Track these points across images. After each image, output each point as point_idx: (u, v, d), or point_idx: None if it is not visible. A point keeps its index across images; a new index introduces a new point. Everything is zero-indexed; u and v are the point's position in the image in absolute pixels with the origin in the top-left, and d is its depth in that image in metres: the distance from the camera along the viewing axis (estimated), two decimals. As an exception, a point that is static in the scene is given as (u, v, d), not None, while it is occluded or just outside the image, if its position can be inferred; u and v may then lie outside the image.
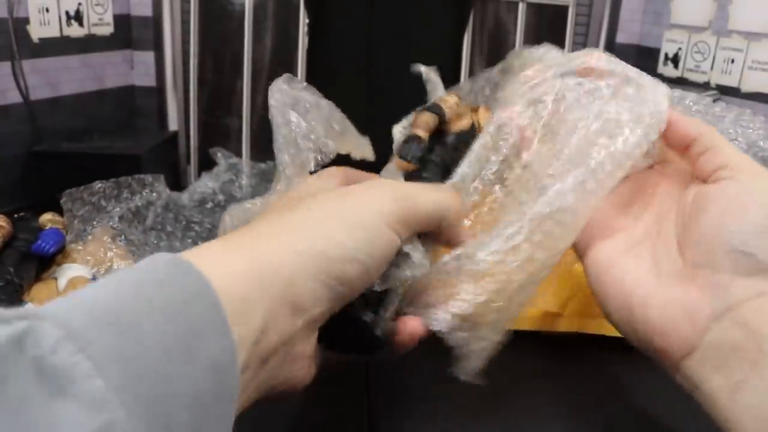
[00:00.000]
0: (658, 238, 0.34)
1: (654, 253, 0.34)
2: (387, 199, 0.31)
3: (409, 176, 0.39)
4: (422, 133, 0.39)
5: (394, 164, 0.40)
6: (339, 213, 0.30)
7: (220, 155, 0.79)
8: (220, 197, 0.76)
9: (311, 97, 0.55)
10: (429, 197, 0.33)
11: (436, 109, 0.39)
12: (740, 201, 0.31)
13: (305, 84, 0.53)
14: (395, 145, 0.40)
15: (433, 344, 0.47)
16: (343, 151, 0.56)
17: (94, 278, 0.55)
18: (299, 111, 0.52)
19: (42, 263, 0.55)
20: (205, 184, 0.75)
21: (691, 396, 0.31)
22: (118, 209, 0.62)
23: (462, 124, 0.40)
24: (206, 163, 0.82)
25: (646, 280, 0.33)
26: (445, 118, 0.39)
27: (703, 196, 0.32)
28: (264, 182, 0.79)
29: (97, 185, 0.64)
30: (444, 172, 0.38)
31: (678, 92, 0.56)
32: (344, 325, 0.33)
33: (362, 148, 0.54)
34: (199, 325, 0.22)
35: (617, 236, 0.35)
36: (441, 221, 0.33)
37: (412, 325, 0.35)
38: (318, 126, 0.52)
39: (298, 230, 0.29)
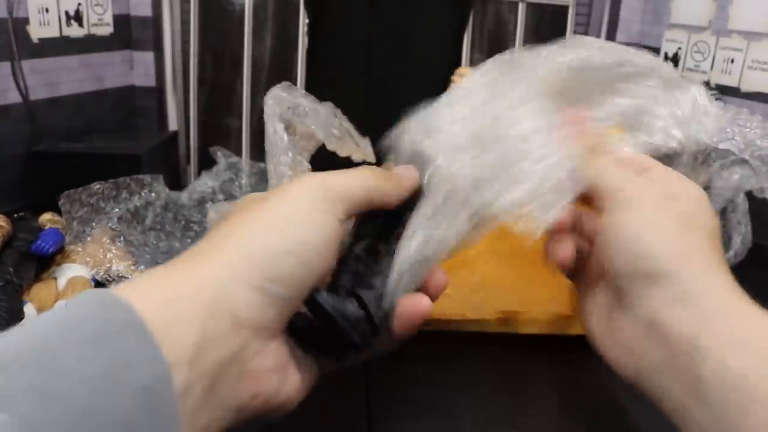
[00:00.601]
0: (596, 275, 0.36)
1: (597, 289, 0.36)
2: (311, 186, 0.31)
3: None
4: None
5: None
6: (263, 212, 0.30)
7: (220, 154, 0.79)
8: (220, 196, 0.76)
9: (310, 103, 0.55)
10: (352, 175, 0.33)
11: None
12: (614, 230, 0.33)
13: (303, 92, 0.53)
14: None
15: (434, 344, 0.47)
16: (343, 154, 0.56)
17: (93, 279, 0.55)
18: (299, 114, 0.52)
19: (42, 263, 0.55)
20: (204, 183, 0.75)
21: None
22: (116, 210, 0.62)
23: None
24: (206, 163, 0.82)
25: (593, 317, 0.36)
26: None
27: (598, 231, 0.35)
28: (263, 181, 0.79)
29: (96, 186, 0.63)
30: None
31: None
32: (319, 319, 0.31)
33: (362, 149, 0.54)
34: (127, 355, 0.22)
35: (580, 273, 0.38)
36: (372, 195, 0.33)
37: (415, 303, 0.33)
38: (318, 131, 0.52)
39: (228, 241, 0.28)
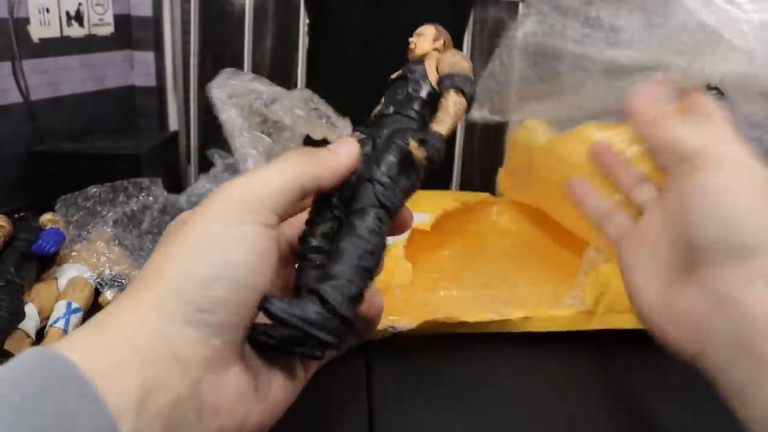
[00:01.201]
0: (659, 244, 0.35)
1: (657, 259, 0.34)
2: (229, 197, 0.29)
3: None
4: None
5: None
6: (185, 238, 0.28)
7: (217, 156, 0.79)
8: (220, 197, 0.75)
9: (267, 87, 0.53)
10: (277, 169, 0.30)
11: None
12: (698, 194, 0.31)
13: (252, 74, 0.52)
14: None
15: (434, 343, 0.47)
16: (316, 137, 0.55)
17: (94, 280, 0.55)
18: (265, 102, 0.51)
19: (42, 263, 0.55)
20: (203, 186, 0.75)
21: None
22: (112, 214, 0.62)
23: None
24: (207, 163, 0.82)
25: (650, 288, 0.34)
26: None
27: (669, 197, 0.33)
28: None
29: (92, 190, 0.63)
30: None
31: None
32: (280, 327, 0.29)
33: (339, 130, 0.52)
34: (71, 409, 0.22)
35: (632, 242, 0.36)
36: (305, 184, 0.30)
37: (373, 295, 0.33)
38: (284, 116, 0.52)
39: (157, 276, 0.27)
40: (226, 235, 0.28)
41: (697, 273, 0.31)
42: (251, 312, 0.29)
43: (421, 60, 0.38)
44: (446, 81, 0.36)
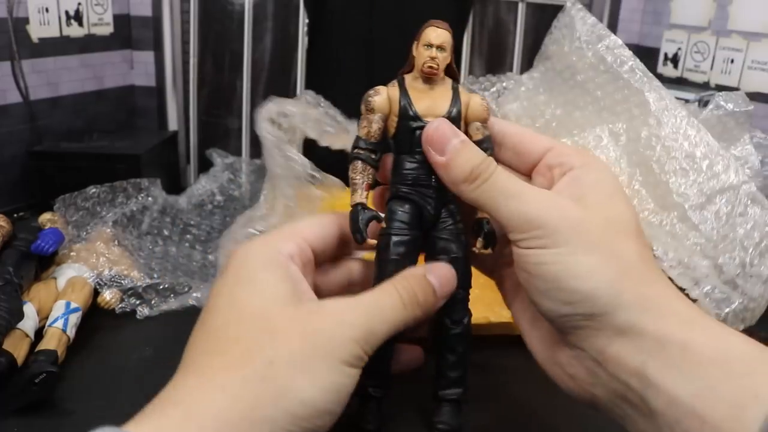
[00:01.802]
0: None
1: (542, 326, 0.35)
2: (346, 340, 0.31)
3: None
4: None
5: None
6: (303, 365, 0.29)
7: (216, 155, 0.79)
8: (219, 198, 0.75)
9: (299, 107, 0.55)
10: (387, 316, 0.33)
11: None
12: (533, 272, 0.32)
13: (290, 100, 0.54)
14: None
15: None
16: (337, 147, 0.56)
17: (93, 281, 0.55)
18: (286, 114, 0.52)
19: (41, 263, 0.55)
20: (202, 187, 0.75)
21: None
22: (112, 214, 0.62)
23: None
24: (206, 163, 0.82)
25: (535, 339, 0.36)
26: None
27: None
28: (262, 178, 0.79)
29: (92, 190, 0.63)
30: None
31: (681, 93, 0.56)
32: None
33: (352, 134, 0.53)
34: None
35: (509, 282, 0.39)
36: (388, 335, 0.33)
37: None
38: (310, 130, 0.53)
39: (260, 391, 0.28)
40: (338, 377, 0.30)
41: (568, 338, 0.33)
42: None
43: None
44: (487, 154, 0.36)
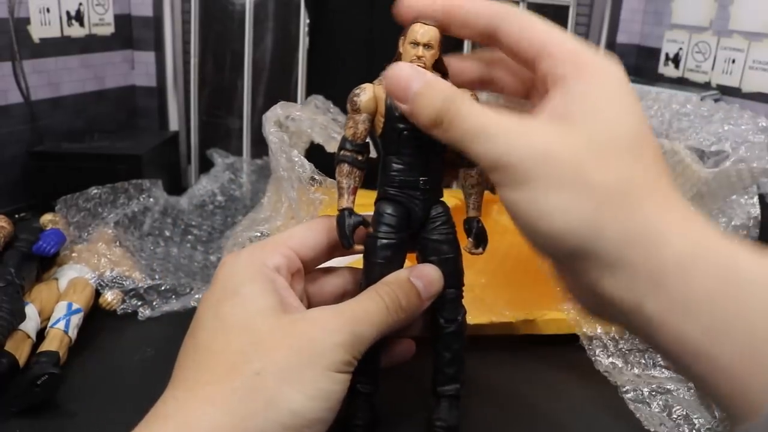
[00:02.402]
0: None
1: None
2: (332, 347, 0.31)
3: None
4: None
5: None
6: (290, 374, 0.29)
7: (216, 155, 0.79)
8: (220, 198, 0.75)
9: (308, 112, 0.55)
10: (372, 320, 0.33)
11: None
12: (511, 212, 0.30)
13: (298, 105, 0.54)
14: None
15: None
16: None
17: (95, 281, 0.55)
18: (294, 119, 0.53)
19: (43, 264, 0.55)
20: (203, 187, 0.74)
21: None
22: (113, 215, 0.62)
23: None
24: (207, 164, 0.82)
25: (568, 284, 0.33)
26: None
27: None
28: (263, 178, 0.79)
29: (93, 191, 0.63)
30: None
31: (681, 94, 0.56)
32: None
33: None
34: None
35: None
36: (375, 339, 0.33)
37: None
38: (317, 136, 0.53)
39: (249, 402, 0.28)
40: (328, 382, 0.30)
41: (565, 269, 0.30)
42: None
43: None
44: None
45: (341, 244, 0.36)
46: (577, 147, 0.28)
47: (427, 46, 0.34)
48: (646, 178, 0.28)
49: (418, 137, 0.35)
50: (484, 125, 0.29)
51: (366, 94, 0.35)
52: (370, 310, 0.33)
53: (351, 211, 0.36)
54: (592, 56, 0.30)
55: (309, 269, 0.37)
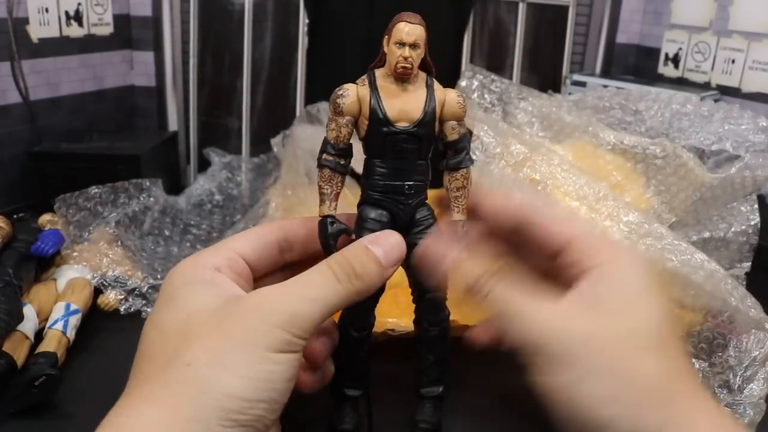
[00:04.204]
0: None
1: None
2: (268, 328, 0.30)
3: None
4: None
5: None
6: (222, 359, 0.29)
7: (213, 155, 0.79)
8: (218, 197, 0.75)
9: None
10: (315, 294, 0.31)
11: None
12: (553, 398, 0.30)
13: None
14: None
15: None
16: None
17: (97, 281, 0.54)
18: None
19: (41, 264, 0.55)
20: (201, 186, 0.74)
21: None
22: (114, 214, 0.62)
23: None
24: (206, 163, 0.82)
25: None
26: None
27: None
28: (260, 176, 0.79)
29: (93, 190, 0.63)
30: None
31: (681, 94, 0.56)
32: None
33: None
34: None
35: None
36: (326, 314, 0.32)
37: None
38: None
39: (182, 393, 0.28)
40: (265, 366, 0.29)
41: None
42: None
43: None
44: (463, 155, 0.36)
45: (324, 253, 0.34)
46: (617, 336, 0.29)
47: (413, 45, 0.33)
48: (679, 372, 0.30)
49: (404, 141, 0.34)
50: (520, 306, 0.31)
51: (350, 96, 0.34)
52: (314, 284, 0.31)
53: (333, 219, 0.35)
54: (615, 248, 0.34)
55: (259, 273, 0.36)
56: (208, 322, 0.30)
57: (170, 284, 0.33)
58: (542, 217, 0.36)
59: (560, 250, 0.35)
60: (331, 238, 0.34)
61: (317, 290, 0.31)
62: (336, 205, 0.35)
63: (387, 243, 0.34)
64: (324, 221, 0.35)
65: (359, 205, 0.36)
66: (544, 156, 0.52)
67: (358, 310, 0.36)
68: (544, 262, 0.37)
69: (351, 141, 0.35)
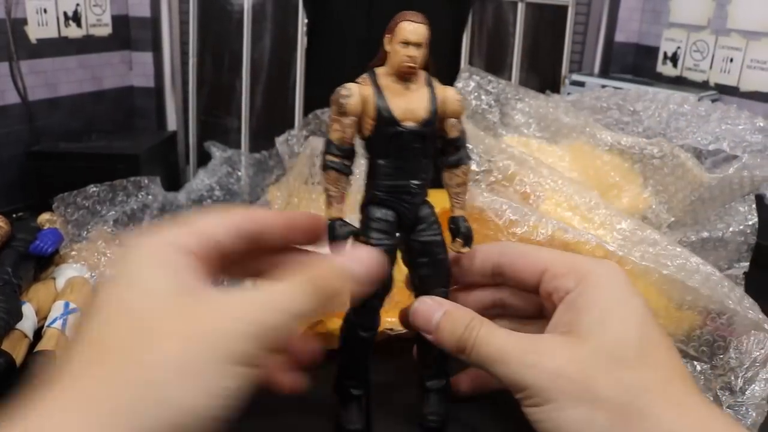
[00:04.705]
0: None
1: None
2: (236, 336, 0.27)
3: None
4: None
5: None
6: (182, 367, 0.25)
7: (214, 149, 0.79)
8: (218, 193, 0.75)
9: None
10: (283, 306, 0.29)
11: None
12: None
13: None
14: None
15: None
16: None
17: (95, 280, 0.54)
18: None
19: (40, 263, 0.55)
20: (201, 181, 0.74)
21: None
22: (113, 213, 0.62)
23: None
24: (205, 163, 0.82)
25: None
26: None
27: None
28: (261, 172, 0.78)
29: (91, 189, 0.63)
30: None
31: (678, 94, 0.56)
32: None
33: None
34: None
35: None
36: (293, 328, 0.30)
37: None
38: None
39: (139, 398, 0.24)
40: (217, 378, 0.26)
41: None
42: None
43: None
44: (462, 151, 0.37)
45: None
46: (584, 362, 0.31)
47: (418, 45, 0.33)
48: (656, 384, 0.31)
49: (410, 140, 0.34)
50: (502, 349, 0.33)
51: (353, 96, 0.34)
52: (283, 296, 0.29)
53: (342, 221, 0.35)
54: (590, 266, 0.34)
55: (226, 261, 0.33)
56: (171, 320, 0.27)
57: (125, 259, 0.29)
58: (511, 256, 0.38)
59: (538, 283, 0.36)
60: (340, 240, 0.34)
61: (285, 302, 0.29)
62: (343, 206, 0.35)
63: (360, 258, 0.33)
64: (333, 224, 0.34)
65: (364, 206, 0.36)
66: (532, 168, 0.52)
67: (366, 311, 0.36)
68: (533, 298, 0.38)
69: (354, 143, 0.35)
